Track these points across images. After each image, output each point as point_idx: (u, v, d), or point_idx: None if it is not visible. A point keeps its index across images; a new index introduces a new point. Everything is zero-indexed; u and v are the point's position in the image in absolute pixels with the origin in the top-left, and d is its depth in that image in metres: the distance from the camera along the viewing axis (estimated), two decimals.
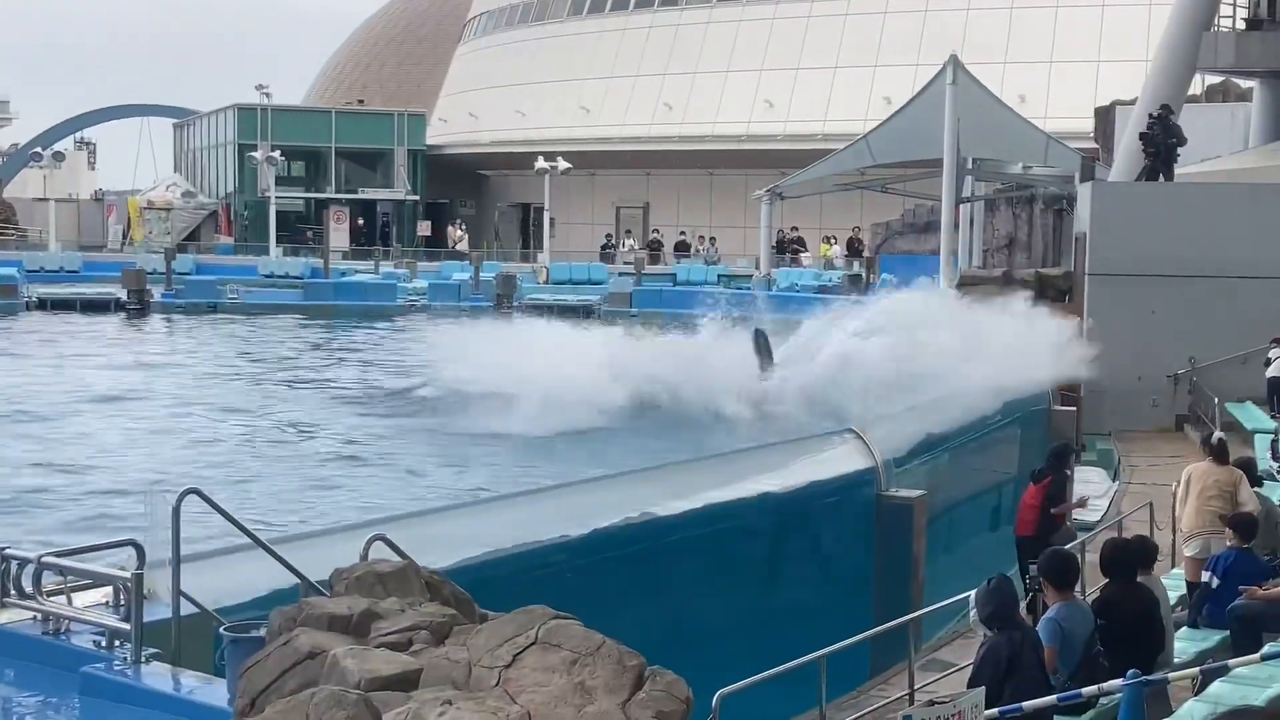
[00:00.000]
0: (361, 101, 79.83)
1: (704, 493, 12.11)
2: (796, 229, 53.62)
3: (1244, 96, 37.39)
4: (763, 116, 58.48)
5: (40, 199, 71.58)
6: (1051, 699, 7.54)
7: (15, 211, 69.83)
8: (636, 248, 58.94)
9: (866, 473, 14.07)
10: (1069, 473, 15.31)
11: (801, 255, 52.41)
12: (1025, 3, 55.20)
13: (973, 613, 7.77)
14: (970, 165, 39.40)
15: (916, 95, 39.91)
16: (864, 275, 43.75)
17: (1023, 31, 54.56)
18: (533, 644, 5.07)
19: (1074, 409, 23.07)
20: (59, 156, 68.19)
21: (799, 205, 49.17)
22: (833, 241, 54.02)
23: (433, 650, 5.26)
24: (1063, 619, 8.22)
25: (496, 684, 4.95)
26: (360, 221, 68.37)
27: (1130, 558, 9.21)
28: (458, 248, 59.88)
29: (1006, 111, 38.67)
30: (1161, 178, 26.64)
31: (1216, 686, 8.51)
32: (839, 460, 14.09)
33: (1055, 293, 27.78)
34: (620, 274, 50.00)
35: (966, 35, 52.56)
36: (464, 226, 64.62)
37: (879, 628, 10.33)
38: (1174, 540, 13.03)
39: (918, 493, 14.28)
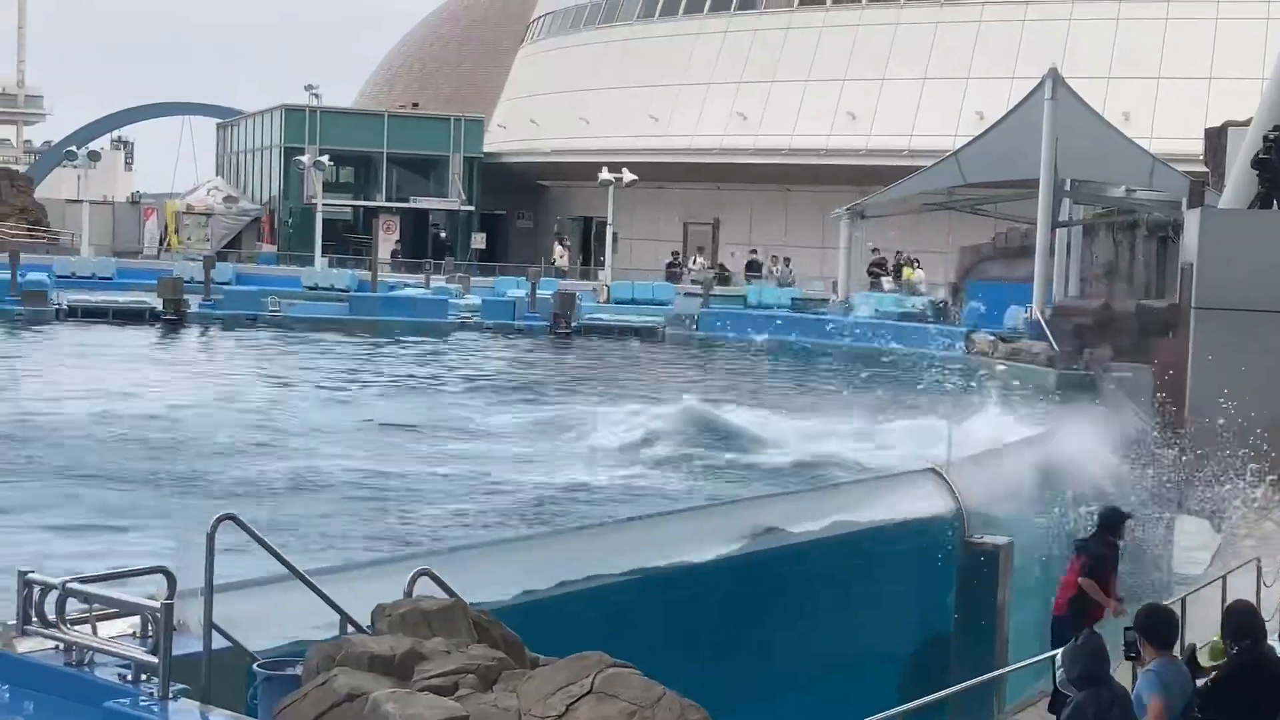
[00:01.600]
0: (416, 105, 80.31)
1: (774, 532, 12.06)
2: (877, 250, 53.45)
3: None
4: (844, 129, 58.37)
5: (73, 200, 72.36)
6: None
7: (47, 213, 70.65)
8: (705, 266, 58.96)
9: (949, 516, 13.98)
10: (1118, 543, 13.14)
11: (883, 279, 52.24)
12: (1131, 13, 54.85)
13: (1060, 671, 7.71)
14: (1068, 187, 39.18)
15: (1012, 110, 39.79)
16: (950, 302, 43.54)
17: (1128, 44, 54.19)
18: (588, 693, 5.06)
19: (1177, 452, 22.80)
20: (94, 156, 68.95)
21: (881, 225, 49.06)
22: (916, 265, 53.82)
23: (480, 696, 5.25)
24: (1165, 675, 8.12)
25: None
26: (443, 234, 68.87)
27: (1259, 622, 9.02)
28: (558, 263, 59.62)
29: (1109, 130, 38.47)
30: (1276, 205, 26.36)
31: None
32: (919, 501, 14.00)
33: (1158, 327, 27.53)
34: (687, 294, 50.01)
35: (1067, 47, 52.25)
36: (568, 243, 64.11)
37: (961, 685, 10.23)
38: None
39: (1004, 539, 14.17)
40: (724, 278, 59.20)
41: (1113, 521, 12.95)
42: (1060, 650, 7.83)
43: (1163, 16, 54.43)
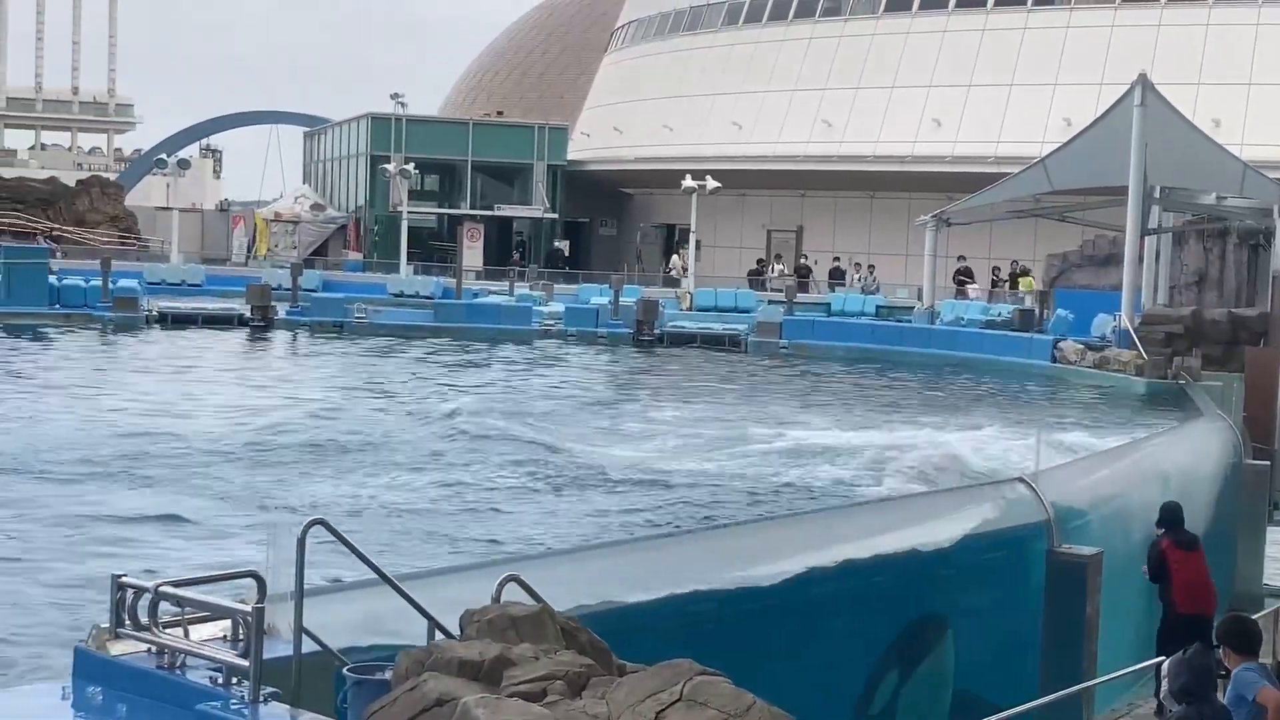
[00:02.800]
0: (500, 113, 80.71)
1: (860, 541, 11.99)
2: (964, 258, 53.20)
3: None
4: (930, 136, 58.07)
5: (163, 208, 73.32)
6: None
7: (137, 221, 71.63)
8: (786, 273, 58.79)
9: (1037, 526, 13.84)
10: (1178, 545, 13.76)
11: (968, 286, 51.95)
12: (1222, 19, 54.19)
13: (1164, 684, 7.65)
14: (1158, 194, 38.80)
15: (1100, 117, 39.41)
16: (1037, 311, 43.15)
17: (1219, 50, 53.54)
18: (677, 700, 5.04)
19: (1267, 464, 22.52)
20: (184, 164, 69.84)
21: (967, 233, 48.76)
22: (1028, 273, 53.37)
23: (569, 702, 5.25)
24: (1257, 671, 8.08)
25: None
26: (562, 245, 69.07)
27: None
28: (673, 274, 59.28)
29: (1199, 137, 38.02)
30: None
31: None
32: (1006, 511, 13.87)
33: (1249, 335, 27.20)
34: (770, 302, 49.91)
35: (1157, 53, 51.76)
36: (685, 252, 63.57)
37: (1048, 697, 10.14)
38: None
39: (1093, 550, 14.00)
40: (805, 271, 58.98)
41: (1169, 517, 13.83)
42: (1164, 661, 7.77)
43: (1253, 22, 53.76)
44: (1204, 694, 7.59)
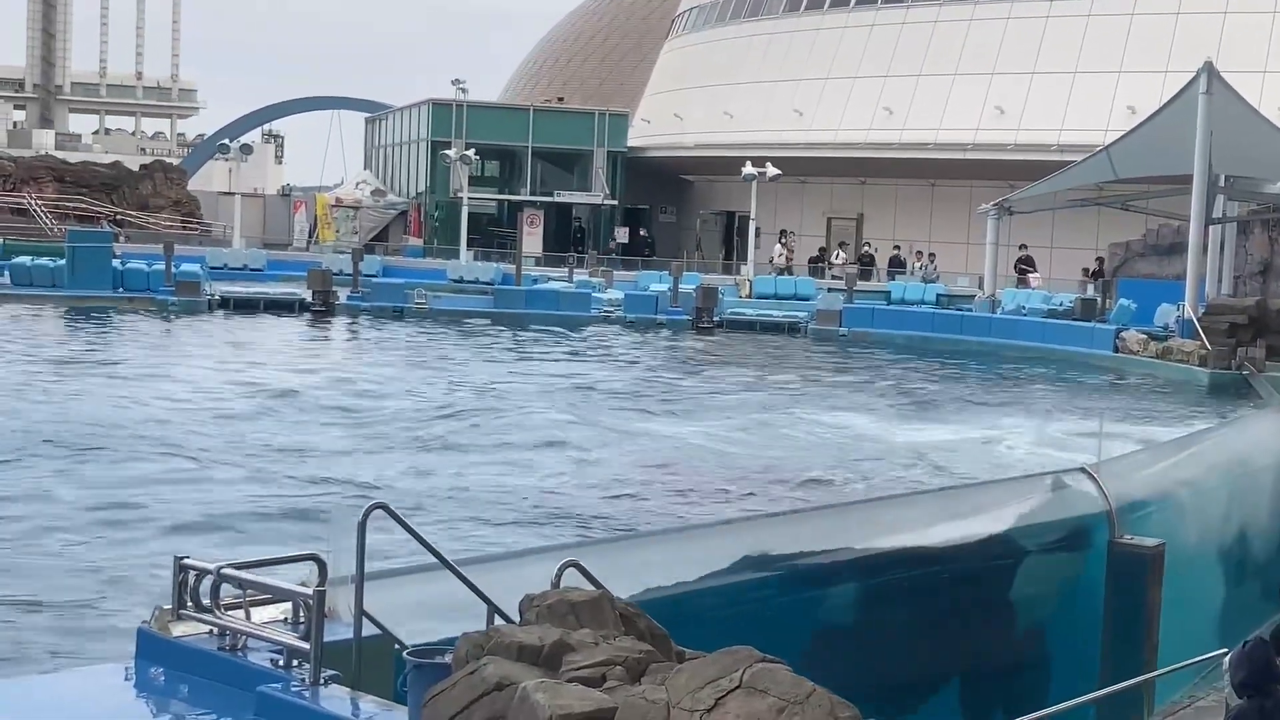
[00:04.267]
0: (561, 100, 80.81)
1: (917, 530, 11.95)
2: (1025, 247, 52.83)
3: None
4: (992, 124, 57.73)
5: (226, 193, 73.83)
6: None
7: (200, 205, 72.12)
8: (849, 261, 58.58)
9: (1098, 516, 13.75)
10: None
11: (1030, 276, 51.60)
12: None
13: (1225, 677, 7.57)
14: (1223, 183, 38.47)
15: (1165, 105, 39.11)
16: (1100, 300, 42.88)
17: None
18: (737, 688, 5.03)
19: None
20: (246, 149, 70.23)
21: (1029, 221, 48.48)
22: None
23: (629, 688, 5.25)
24: None
25: None
26: (643, 232, 69.12)
27: None
28: (776, 261, 59.15)
29: (1266, 125, 37.65)
30: None
31: None
32: (1067, 502, 13.79)
33: None
34: (830, 290, 49.81)
35: (1223, 40, 51.20)
36: (791, 242, 63.09)
37: (1107, 689, 10.07)
38: None
39: (1155, 541, 13.90)
40: (868, 259, 58.64)
41: None
42: (1226, 653, 7.70)
43: None
44: (1265, 687, 7.51)
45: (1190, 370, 33.38)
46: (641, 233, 68.87)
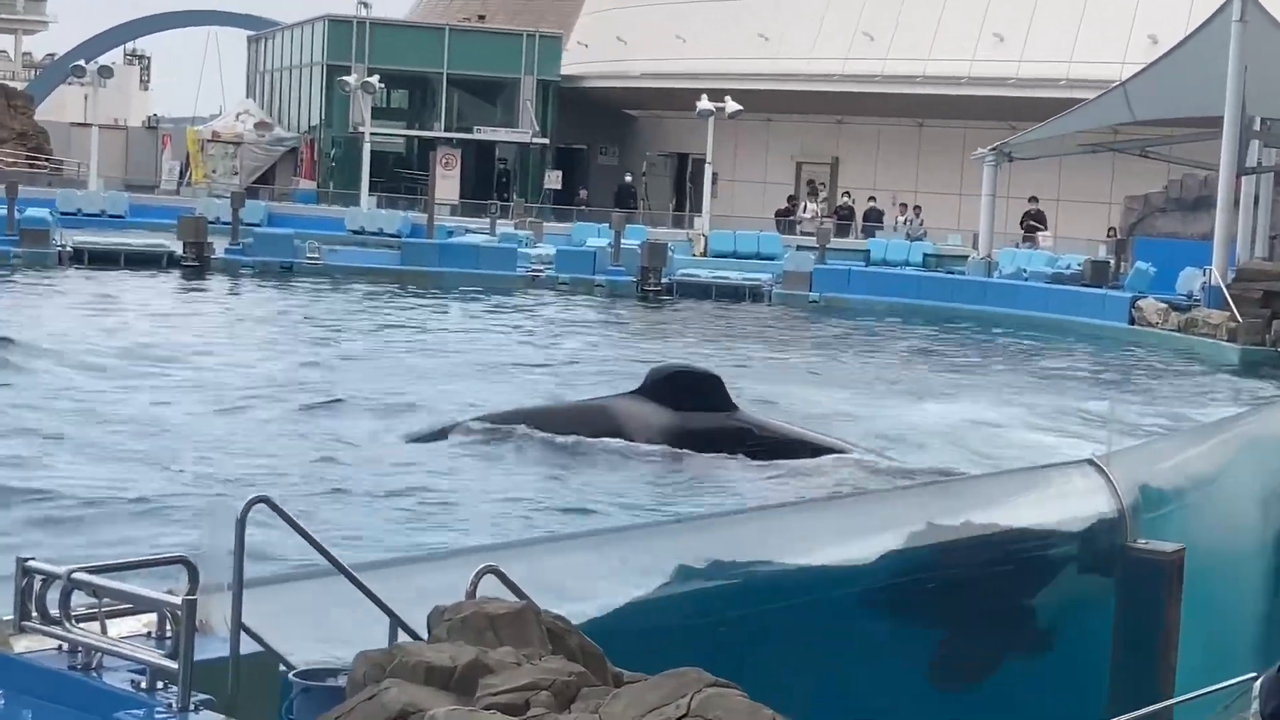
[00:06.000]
0: (482, 18, 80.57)
1: (900, 529, 12.02)
2: (1036, 200, 52.95)
3: None
4: (989, 54, 57.96)
5: (80, 124, 73.25)
6: None
7: (49, 138, 71.55)
8: (821, 215, 58.72)
9: (1108, 517, 13.87)
10: None
11: (1039, 234, 51.70)
12: None
13: (1254, 705, 7.68)
14: (1257, 126, 38.77)
15: (1192, 34, 39.41)
16: (1113, 263, 43.16)
17: None
18: (684, 716, 5.07)
19: None
20: (105, 72, 69.44)
21: (1032, 169, 48.74)
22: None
23: (555, 716, 5.28)
24: None
25: None
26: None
27: None
28: (803, 220, 58.95)
29: None
30: None
31: None
32: (1073, 499, 13.89)
33: None
34: (799, 248, 49.80)
35: None
36: (822, 194, 62.39)
37: (1120, 718, 10.16)
38: None
39: (1175, 546, 14.03)
40: (846, 212, 58.70)
41: None
42: (1255, 678, 7.81)
43: None
44: None
45: (1218, 345, 33.69)
46: (581, 193, 68.14)
